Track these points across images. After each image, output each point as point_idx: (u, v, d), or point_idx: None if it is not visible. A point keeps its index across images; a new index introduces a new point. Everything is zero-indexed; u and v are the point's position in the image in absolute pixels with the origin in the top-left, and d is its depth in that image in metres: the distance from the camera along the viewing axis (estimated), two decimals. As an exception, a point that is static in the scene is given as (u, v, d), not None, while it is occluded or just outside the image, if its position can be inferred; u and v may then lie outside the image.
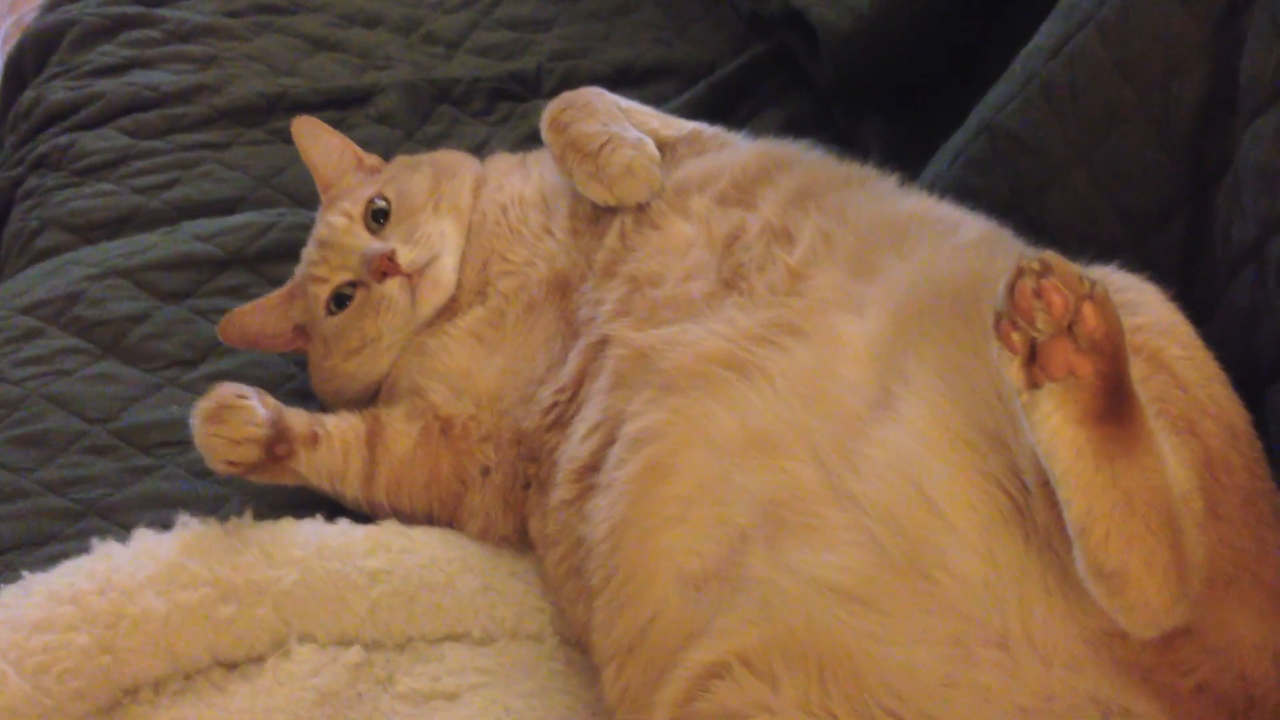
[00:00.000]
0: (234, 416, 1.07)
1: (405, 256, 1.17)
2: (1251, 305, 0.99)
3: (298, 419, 1.13)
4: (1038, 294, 0.78)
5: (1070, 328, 0.78)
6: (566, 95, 1.21)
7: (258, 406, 1.08)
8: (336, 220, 1.21)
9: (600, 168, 1.14)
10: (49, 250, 1.53)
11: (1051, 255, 0.79)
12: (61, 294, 1.40)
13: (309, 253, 1.24)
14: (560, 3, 1.94)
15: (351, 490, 1.14)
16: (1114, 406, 0.79)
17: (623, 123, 1.18)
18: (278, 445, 1.10)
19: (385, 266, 1.16)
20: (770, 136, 1.23)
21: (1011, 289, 0.79)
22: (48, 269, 1.47)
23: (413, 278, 1.17)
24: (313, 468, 1.13)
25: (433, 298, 1.18)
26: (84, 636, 0.96)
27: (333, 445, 1.13)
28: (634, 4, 1.94)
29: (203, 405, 1.08)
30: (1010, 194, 1.21)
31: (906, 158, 1.32)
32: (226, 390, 1.08)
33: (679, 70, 1.79)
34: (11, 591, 0.98)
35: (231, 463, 1.07)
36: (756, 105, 1.73)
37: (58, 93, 1.75)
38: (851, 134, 1.67)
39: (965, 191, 1.22)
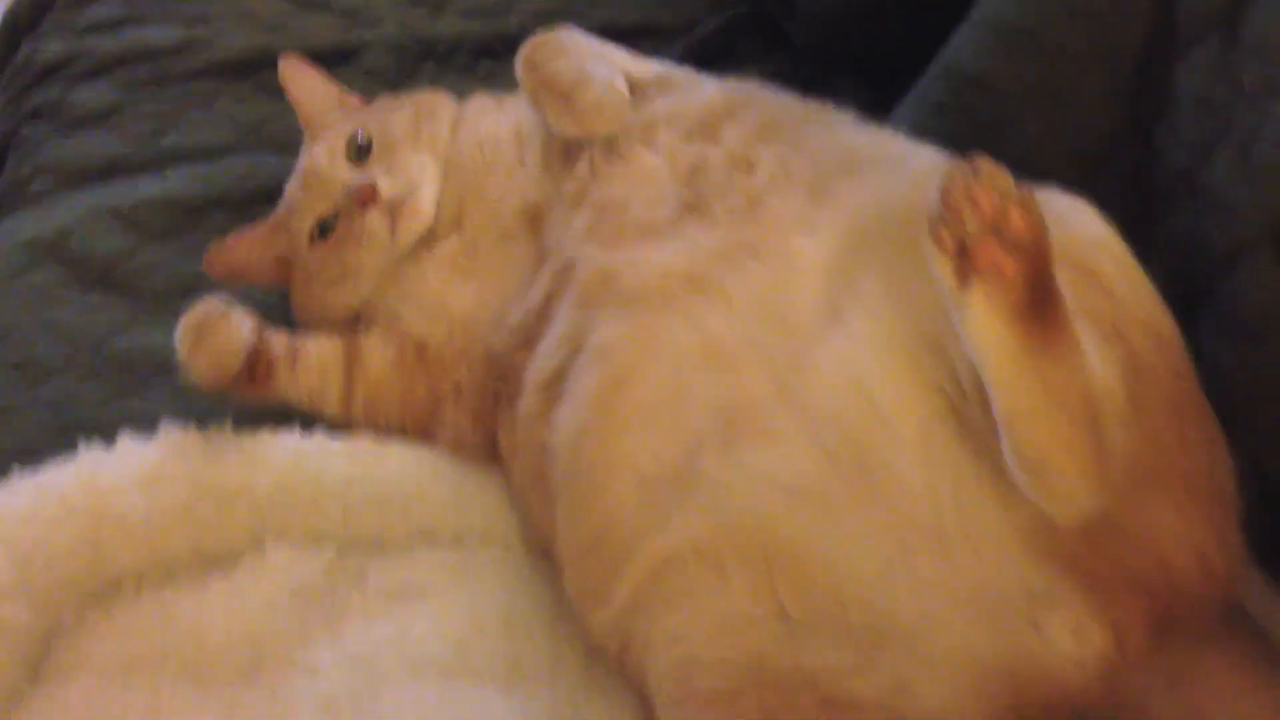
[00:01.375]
0: (217, 326, 1.12)
1: (386, 188, 1.22)
2: (1187, 231, 1.04)
3: (278, 340, 1.18)
4: (968, 196, 0.83)
5: (998, 228, 0.83)
6: (541, 35, 1.26)
7: (242, 318, 1.13)
8: (319, 153, 1.26)
9: (571, 104, 1.18)
10: (41, 195, 1.57)
11: (983, 160, 0.84)
12: (52, 231, 1.44)
13: (292, 186, 1.29)
14: (546, -35, 1.99)
15: (329, 407, 1.19)
16: (1038, 304, 0.83)
17: (594, 61, 1.22)
18: (258, 364, 1.15)
19: (367, 197, 1.21)
20: (742, 85, 1.28)
21: (945, 193, 0.84)
22: (39, 210, 1.51)
23: (393, 208, 1.22)
24: (292, 386, 1.18)
25: (412, 228, 1.22)
26: (69, 530, 1.00)
27: (310, 365, 1.18)
28: (618, -33, 1.99)
29: (187, 318, 1.13)
30: (968, 135, 1.26)
31: (881, 116, 1.37)
32: (209, 303, 1.13)
33: (660, 31, 1.83)
34: (-1, 488, 1.03)
35: (217, 371, 1.12)
36: (735, 65, 1.77)
37: (52, 47, 1.79)
38: (828, 94, 1.71)
39: (925, 133, 1.26)
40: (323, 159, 1.26)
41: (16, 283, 1.39)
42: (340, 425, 1.19)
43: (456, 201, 1.24)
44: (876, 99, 1.64)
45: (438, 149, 1.26)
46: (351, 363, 1.19)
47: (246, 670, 0.99)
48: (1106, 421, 0.86)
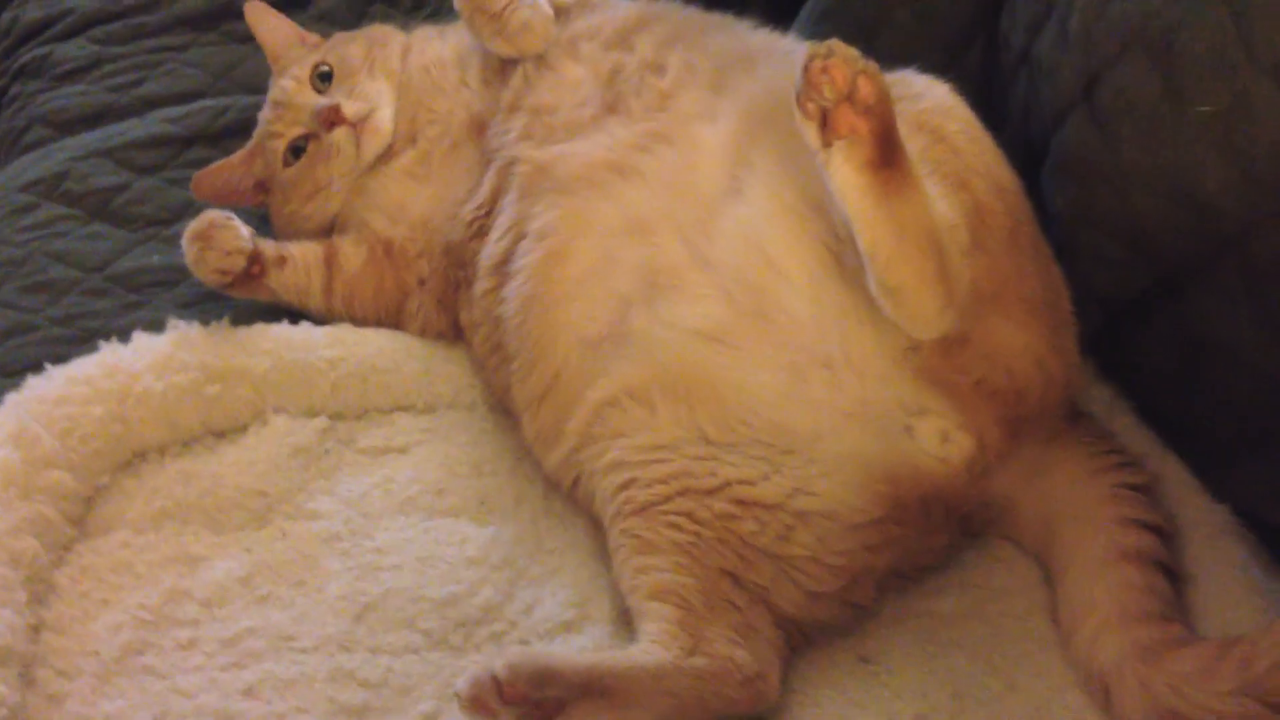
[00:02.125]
0: (222, 233, 1.30)
1: (349, 109, 1.39)
2: (1025, 99, 1.22)
3: (268, 245, 1.36)
4: (824, 71, 1.00)
5: (850, 96, 1.00)
6: None
7: (241, 225, 1.31)
8: (287, 84, 1.43)
9: (503, 25, 1.35)
10: (35, 144, 1.73)
11: (835, 41, 1.01)
12: (51, 173, 1.61)
13: (265, 114, 1.45)
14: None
15: (314, 301, 1.37)
16: (887, 157, 1.00)
17: None
18: (253, 265, 1.32)
19: (333, 117, 1.38)
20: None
21: (806, 70, 1.01)
22: (37, 156, 1.67)
23: (356, 126, 1.38)
24: (282, 284, 1.35)
25: (374, 143, 1.39)
26: (99, 409, 1.18)
27: (297, 265, 1.36)
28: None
29: (193, 227, 1.30)
30: (854, 37, 1.41)
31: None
32: (213, 214, 1.31)
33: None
34: (36, 379, 1.21)
35: (222, 271, 1.29)
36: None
37: (32, 12, 1.94)
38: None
39: (818, 38, 1.44)
40: (291, 88, 1.42)
41: (23, 219, 1.56)
42: (324, 317, 1.37)
43: (409, 119, 1.42)
44: (779, 19, 1.82)
45: (391, 74, 1.43)
46: (330, 262, 1.37)
47: (258, 517, 1.18)
48: (951, 253, 1.04)
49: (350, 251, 1.38)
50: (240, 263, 1.30)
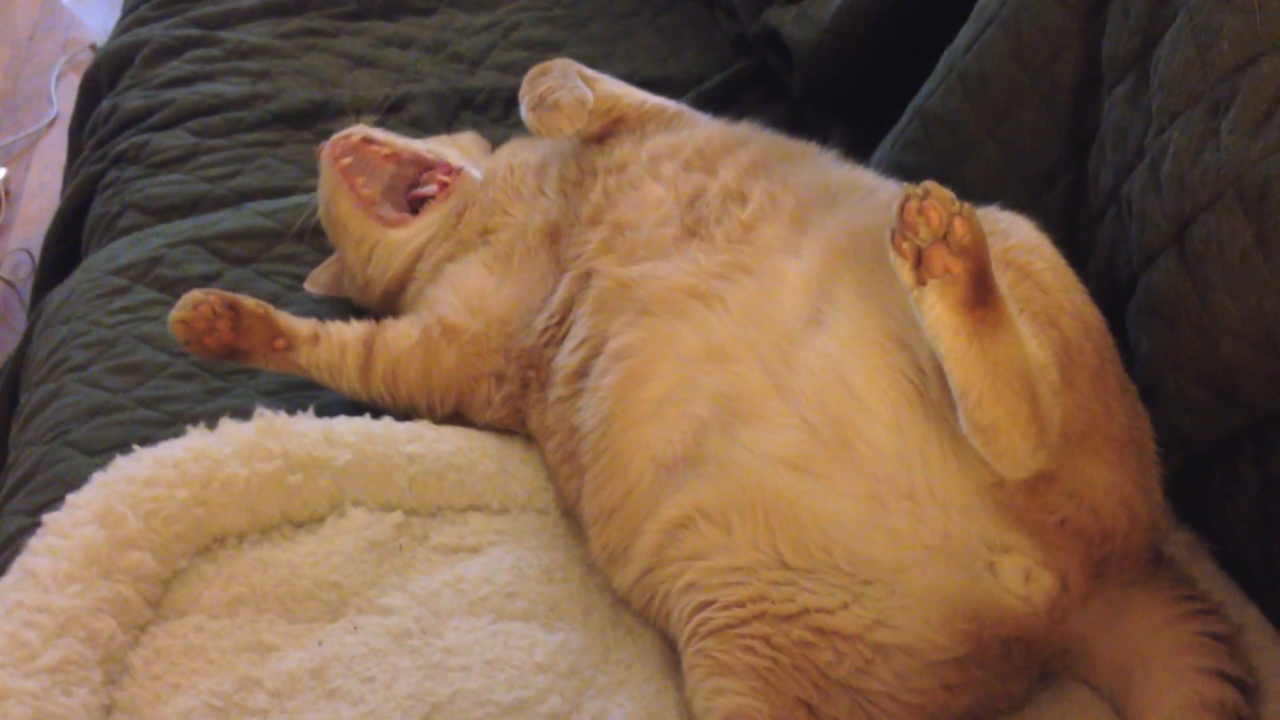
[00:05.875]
0: (187, 296, 1.35)
1: (338, 135, 1.51)
2: (1113, 238, 1.23)
3: (303, 323, 1.39)
4: (920, 212, 1.02)
5: (945, 237, 1.01)
6: (544, 63, 1.47)
7: (201, 290, 1.36)
8: None
9: (539, 103, 1.40)
10: (129, 229, 1.79)
11: (931, 183, 1.03)
12: (145, 258, 1.66)
13: None
14: (570, 28, 2.21)
15: (348, 381, 1.38)
16: (981, 296, 1.02)
17: (573, 80, 1.42)
18: (277, 339, 1.36)
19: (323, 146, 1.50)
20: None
21: (902, 209, 1.03)
22: (131, 240, 1.73)
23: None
24: (312, 361, 1.38)
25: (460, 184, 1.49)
26: (183, 492, 1.20)
27: (331, 343, 1.38)
28: (635, 29, 2.21)
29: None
30: (937, 168, 1.46)
31: (866, 153, 1.58)
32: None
33: (672, 84, 2.04)
34: (124, 459, 1.23)
35: (190, 322, 1.33)
36: (740, 113, 1.98)
37: (132, 101, 2.02)
38: (822, 136, 1.92)
39: (901, 168, 1.48)
40: None
41: (115, 302, 1.60)
42: (357, 397, 1.39)
43: (483, 217, 1.45)
44: (863, 138, 1.86)
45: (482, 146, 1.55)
46: (372, 340, 1.39)
47: (332, 609, 1.19)
48: (1043, 392, 1.04)
49: (402, 330, 1.40)
50: (200, 310, 1.33)
